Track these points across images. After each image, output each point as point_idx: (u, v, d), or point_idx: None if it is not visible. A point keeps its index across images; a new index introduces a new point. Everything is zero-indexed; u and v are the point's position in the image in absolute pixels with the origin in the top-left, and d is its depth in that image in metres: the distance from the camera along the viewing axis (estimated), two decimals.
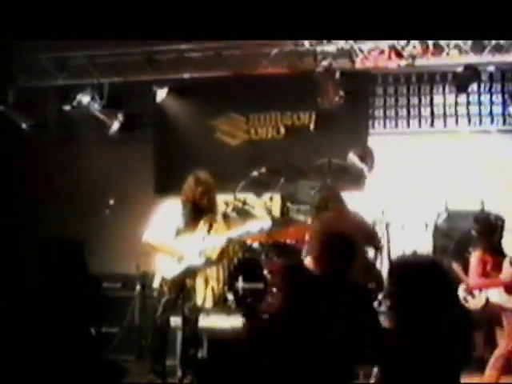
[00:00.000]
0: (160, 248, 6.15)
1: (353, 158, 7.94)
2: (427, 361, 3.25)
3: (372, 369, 4.88)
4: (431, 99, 8.77)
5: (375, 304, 5.37)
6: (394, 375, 3.33)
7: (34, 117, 9.19)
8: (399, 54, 7.87)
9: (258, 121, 9.09)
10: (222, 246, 6.27)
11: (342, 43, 7.98)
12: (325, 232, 5.92)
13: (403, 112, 8.86)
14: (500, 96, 8.54)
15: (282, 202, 8.17)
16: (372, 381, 4.54)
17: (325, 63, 8.04)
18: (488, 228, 6.53)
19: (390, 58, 7.93)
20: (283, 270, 4.59)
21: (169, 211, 6.27)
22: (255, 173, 7.88)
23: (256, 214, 7.65)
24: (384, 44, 7.93)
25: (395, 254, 7.28)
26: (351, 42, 7.97)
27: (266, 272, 7.00)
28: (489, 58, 7.82)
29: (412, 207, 8.04)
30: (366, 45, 8.01)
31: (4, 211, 9.07)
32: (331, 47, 8.06)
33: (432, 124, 8.78)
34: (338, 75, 8.12)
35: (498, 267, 6.34)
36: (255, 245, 7.38)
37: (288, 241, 7.43)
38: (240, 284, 7.12)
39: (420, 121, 8.83)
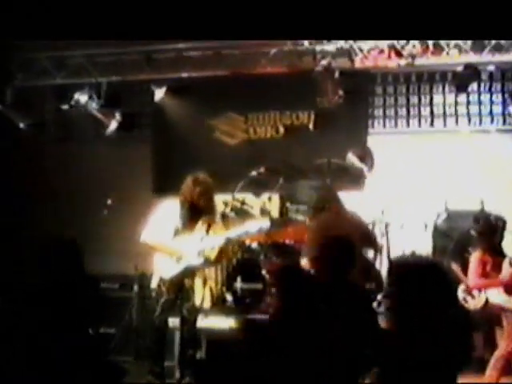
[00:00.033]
0: (158, 248, 6.13)
1: (352, 158, 7.92)
2: (426, 361, 3.23)
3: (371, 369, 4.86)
4: (431, 99, 8.76)
5: (374, 304, 5.33)
6: (392, 376, 3.30)
7: (32, 116, 9.18)
8: (399, 54, 7.86)
9: (257, 120, 9.07)
10: (221, 247, 6.24)
11: (341, 42, 7.97)
12: (322, 233, 5.92)
13: (403, 111, 8.85)
14: (500, 95, 8.53)
15: (281, 202, 8.14)
16: (367, 381, 4.51)
17: (324, 62, 8.03)
18: (489, 229, 6.53)
19: (389, 57, 7.92)
20: (279, 272, 4.57)
21: (167, 211, 6.25)
22: (254, 173, 7.87)
23: (255, 214, 7.65)
24: (384, 43, 7.91)
25: (395, 254, 7.27)
26: (351, 41, 7.95)
27: (264, 272, 7.00)
28: (489, 58, 7.81)
29: (412, 207, 8.02)
30: (366, 44, 8.00)
31: (1, 211, 9.06)
32: (330, 46, 8.05)
33: (432, 124, 8.76)
34: (337, 74, 8.11)
35: (497, 268, 6.34)
36: (254, 245, 7.37)
37: (287, 241, 7.41)
38: (238, 284, 7.11)
39: (420, 120, 8.81)
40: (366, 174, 7.96)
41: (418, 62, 7.84)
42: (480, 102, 8.57)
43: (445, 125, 8.73)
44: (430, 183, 8.30)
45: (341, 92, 8.14)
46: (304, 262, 6.29)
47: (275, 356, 3.82)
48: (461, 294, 6.41)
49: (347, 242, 4.83)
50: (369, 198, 8.00)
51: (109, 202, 7.93)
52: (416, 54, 7.76)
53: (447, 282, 3.40)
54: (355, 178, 8.13)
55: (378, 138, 8.63)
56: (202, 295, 6.38)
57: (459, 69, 7.88)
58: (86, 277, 4.50)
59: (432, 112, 8.76)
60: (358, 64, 8.12)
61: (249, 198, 7.82)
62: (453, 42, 7.71)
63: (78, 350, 4.16)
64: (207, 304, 6.93)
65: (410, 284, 3.32)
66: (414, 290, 3.29)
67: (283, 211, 8.08)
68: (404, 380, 3.26)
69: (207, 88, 8.90)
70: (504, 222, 6.55)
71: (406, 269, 3.45)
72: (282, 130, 8.98)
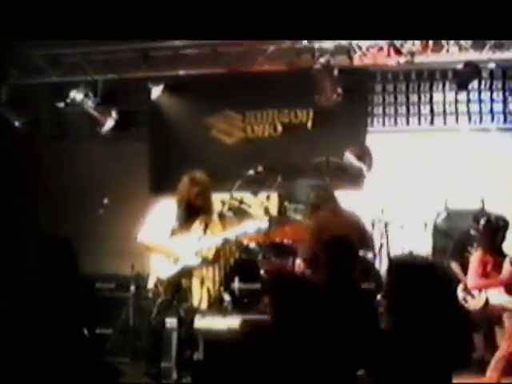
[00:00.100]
0: (155, 248, 6.10)
1: (349, 157, 7.89)
2: (424, 361, 3.25)
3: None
4: (431, 97, 8.69)
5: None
6: (391, 376, 3.31)
7: (27, 114, 9.16)
8: (398, 51, 7.84)
9: (255, 118, 9.03)
10: (219, 247, 6.22)
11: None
12: (318, 233, 5.89)
13: (402, 110, 8.78)
14: (501, 94, 8.47)
15: (280, 201, 8.10)
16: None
17: (322, 60, 8.00)
18: (491, 229, 6.49)
19: (388, 54, 7.91)
20: (271, 280, 4.54)
21: (164, 211, 6.24)
22: (252, 171, 7.84)
23: (253, 213, 7.61)
24: (383, 41, 7.85)
25: (394, 253, 7.25)
26: None
27: (262, 272, 6.95)
28: (489, 55, 7.78)
29: (411, 206, 7.97)
30: (365, 42, 7.95)
31: None
32: (329, 44, 8.01)
33: (432, 122, 8.70)
34: (336, 72, 8.08)
35: (498, 267, 6.34)
36: (252, 245, 7.32)
37: (285, 241, 7.37)
38: (236, 284, 7.06)
39: (419, 119, 8.74)
40: (365, 173, 7.91)
41: (418, 59, 7.81)
42: (480, 100, 8.51)
43: (445, 123, 8.66)
44: (429, 182, 8.25)
45: (339, 90, 8.09)
46: (298, 263, 6.26)
47: (273, 357, 3.76)
48: (461, 293, 6.48)
49: (347, 242, 4.80)
50: (368, 197, 7.96)
51: (105, 201, 7.92)
52: (416, 51, 7.74)
53: (445, 282, 3.41)
54: (354, 177, 8.09)
55: (378, 137, 8.58)
56: (199, 295, 6.37)
57: (459, 66, 7.85)
58: (81, 277, 4.48)
59: (432, 110, 8.69)
60: (356, 62, 8.09)
61: (247, 197, 7.78)
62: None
63: (72, 352, 4.12)
64: (205, 304, 6.87)
65: (408, 284, 3.33)
66: (412, 290, 3.30)
67: (281, 210, 8.05)
68: (402, 380, 3.26)
69: (204, 86, 8.87)
70: (506, 222, 6.51)
71: (404, 269, 3.46)
72: (280, 128, 8.94)
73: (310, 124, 8.79)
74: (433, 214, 7.98)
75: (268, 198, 7.96)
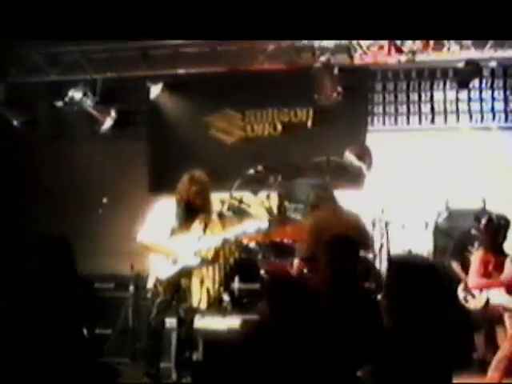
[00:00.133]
0: (154, 248, 6.07)
1: (349, 156, 7.88)
2: (423, 361, 3.25)
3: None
4: (432, 95, 8.67)
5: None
6: (391, 375, 3.30)
7: (25, 113, 9.13)
8: (399, 50, 7.84)
9: (255, 117, 9.01)
10: (218, 246, 6.22)
11: None
12: (317, 232, 5.87)
13: (403, 108, 8.77)
14: (502, 92, 8.46)
15: (279, 200, 8.07)
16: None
17: (323, 59, 8.00)
18: (493, 228, 6.48)
19: (389, 53, 7.91)
20: (269, 285, 4.53)
21: (163, 210, 6.21)
22: (251, 171, 7.82)
23: (252, 212, 7.58)
24: None
25: (395, 253, 7.22)
26: None
27: (262, 272, 6.92)
28: (490, 54, 7.79)
29: (412, 206, 7.96)
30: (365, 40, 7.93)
31: None
32: (329, 42, 7.98)
33: (432, 121, 8.68)
34: (336, 71, 8.07)
35: (499, 267, 6.31)
36: (252, 244, 7.30)
37: (285, 240, 7.34)
38: (236, 284, 7.05)
39: (420, 118, 8.72)
40: (365, 172, 7.90)
41: (419, 58, 7.80)
42: (481, 99, 8.50)
43: (446, 122, 8.64)
44: (430, 181, 8.24)
45: (340, 89, 8.09)
46: (296, 262, 6.24)
47: (273, 357, 3.73)
48: (461, 293, 6.48)
49: (350, 241, 4.79)
50: (368, 196, 7.95)
51: (104, 200, 7.91)
52: (416, 50, 7.75)
53: (445, 282, 3.40)
54: (354, 177, 8.08)
55: (378, 136, 8.57)
56: (198, 296, 6.35)
57: (460, 65, 7.84)
58: (79, 277, 4.47)
59: (433, 109, 8.67)
60: (357, 60, 8.09)
61: (246, 196, 7.76)
62: None
63: (72, 351, 4.13)
64: (204, 304, 6.88)
65: (408, 284, 3.33)
66: (412, 290, 3.29)
67: (281, 210, 8.02)
68: (403, 380, 3.25)
69: (204, 85, 8.85)
70: (508, 222, 6.50)
71: (404, 268, 3.46)
72: (279, 127, 8.92)
73: (309, 123, 8.77)
74: (434, 213, 7.96)
75: (268, 197, 7.93)
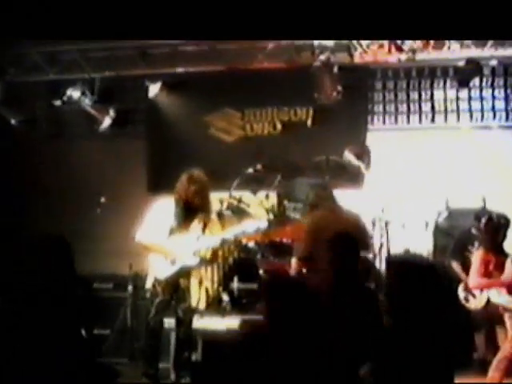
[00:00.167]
0: (153, 248, 6.05)
1: (348, 155, 7.88)
2: (425, 361, 3.26)
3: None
4: (432, 94, 8.66)
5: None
6: (391, 375, 3.32)
7: (24, 112, 9.14)
8: (399, 48, 7.82)
9: (254, 116, 9.00)
10: (217, 246, 6.20)
11: None
12: (317, 232, 5.86)
13: (403, 107, 8.76)
14: (502, 91, 8.45)
15: (279, 200, 8.04)
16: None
17: (323, 57, 7.99)
18: (493, 227, 6.46)
19: (389, 51, 7.89)
20: (268, 282, 4.52)
21: (162, 210, 6.19)
22: (250, 170, 7.80)
23: (251, 212, 7.56)
24: None
25: (395, 252, 7.26)
26: None
27: (261, 272, 6.91)
28: (491, 52, 7.78)
29: (412, 205, 7.96)
30: None
31: None
32: (329, 41, 7.95)
33: (433, 120, 8.67)
34: (336, 70, 8.06)
35: (500, 267, 6.29)
36: (251, 244, 7.29)
37: (284, 240, 7.33)
38: (235, 284, 7.04)
39: (420, 116, 8.72)
40: (364, 171, 7.89)
41: (419, 56, 7.79)
42: (482, 98, 8.49)
43: (446, 121, 8.64)
44: (430, 180, 8.23)
45: (340, 87, 8.09)
46: (294, 261, 6.22)
47: (272, 357, 3.72)
48: (462, 293, 6.47)
49: (352, 239, 4.79)
50: (368, 195, 7.92)
51: (102, 200, 7.91)
52: (417, 48, 7.74)
53: (445, 282, 3.40)
54: (354, 176, 8.08)
55: (378, 135, 8.56)
56: (197, 296, 6.33)
57: (461, 64, 7.84)
58: (78, 277, 4.46)
59: (433, 108, 8.66)
60: (357, 59, 8.08)
61: (245, 195, 7.74)
62: None
63: (70, 352, 4.13)
64: (203, 305, 6.85)
65: (408, 284, 3.34)
66: (412, 290, 3.31)
67: (281, 209, 8.00)
68: (404, 380, 3.26)
69: (203, 83, 8.84)
70: (507, 220, 6.48)
71: (404, 268, 3.47)
72: (279, 126, 8.91)
73: (309, 122, 8.77)
74: (434, 212, 7.95)
75: (267, 196, 7.91)
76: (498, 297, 6.18)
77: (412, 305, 3.29)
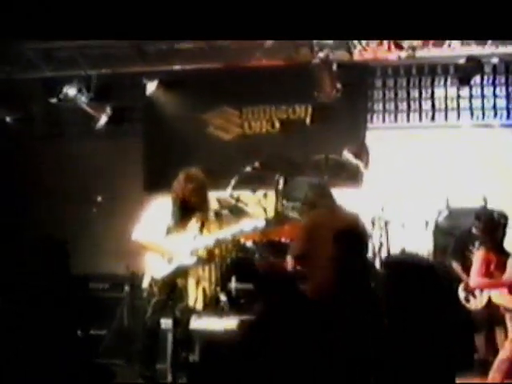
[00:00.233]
0: (150, 247, 6.02)
1: (347, 154, 7.86)
2: (425, 361, 3.27)
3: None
4: (432, 92, 8.64)
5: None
6: (392, 376, 3.33)
7: (19, 110, 9.14)
8: (399, 46, 7.84)
9: (252, 114, 9.00)
10: (215, 245, 6.16)
11: None
12: (314, 231, 5.82)
13: (403, 105, 8.75)
14: (504, 89, 8.43)
15: (277, 199, 7.99)
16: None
17: (321, 55, 8.00)
18: (492, 226, 6.45)
19: (389, 49, 7.92)
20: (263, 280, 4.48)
21: (159, 209, 6.16)
22: (248, 168, 7.77)
23: (249, 211, 7.54)
24: None
25: (394, 252, 7.23)
26: None
27: (260, 272, 6.85)
28: (492, 50, 7.82)
29: (412, 204, 7.95)
30: None
31: None
32: None
33: (433, 118, 8.65)
34: (335, 67, 8.06)
35: (501, 267, 6.26)
36: (249, 244, 7.28)
37: (283, 239, 7.30)
38: (233, 284, 7.02)
39: (420, 115, 8.69)
40: (362, 170, 7.89)
41: (419, 54, 7.85)
42: (483, 96, 8.47)
43: (446, 119, 8.62)
44: (430, 179, 8.22)
45: (339, 85, 8.09)
46: (289, 260, 6.18)
47: (270, 358, 3.73)
48: (462, 293, 6.51)
49: (355, 238, 4.74)
50: (368, 194, 7.93)
51: (98, 199, 7.92)
52: (417, 45, 7.81)
53: (445, 282, 3.37)
54: (353, 175, 8.06)
55: (378, 133, 8.56)
56: (195, 295, 6.32)
57: (461, 61, 7.85)
58: (73, 277, 4.53)
59: (433, 106, 8.64)
60: (356, 56, 8.10)
61: (243, 194, 7.72)
62: None
63: (66, 353, 4.12)
64: (200, 305, 6.84)
65: (407, 284, 3.36)
66: (411, 290, 3.33)
67: (279, 208, 7.95)
68: (402, 379, 3.28)
69: (200, 81, 8.83)
70: (506, 218, 6.49)
71: (404, 268, 3.51)
72: (277, 124, 8.91)
73: (308, 120, 8.76)
74: (434, 212, 7.93)
75: (265, 195, 7.88)
76: (499, 297, 6.15)
77: (412, 305, 3.30)
